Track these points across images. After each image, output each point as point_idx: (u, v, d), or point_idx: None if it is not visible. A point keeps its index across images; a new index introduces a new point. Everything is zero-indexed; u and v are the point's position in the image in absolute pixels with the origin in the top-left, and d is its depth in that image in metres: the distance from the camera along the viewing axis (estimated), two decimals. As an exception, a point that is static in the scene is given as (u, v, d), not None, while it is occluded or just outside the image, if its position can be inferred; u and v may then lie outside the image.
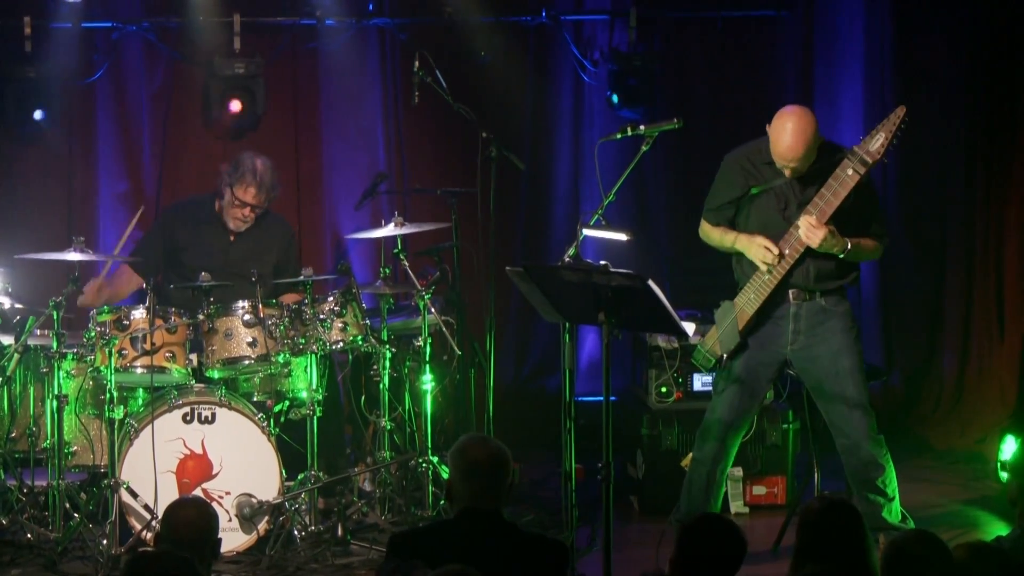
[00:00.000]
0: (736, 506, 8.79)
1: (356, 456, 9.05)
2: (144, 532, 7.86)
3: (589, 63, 10.72)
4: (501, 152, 8.59)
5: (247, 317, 8.15)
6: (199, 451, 8.09)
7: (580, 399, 7.49)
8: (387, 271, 8.83)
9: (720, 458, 7.81)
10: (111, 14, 10.30)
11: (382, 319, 8.65)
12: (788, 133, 7.43)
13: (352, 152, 10.64)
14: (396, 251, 8.66)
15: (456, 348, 8.77)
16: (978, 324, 10.69)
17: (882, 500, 7.65)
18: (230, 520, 8.00)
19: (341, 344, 8.36)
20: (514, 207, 10.62)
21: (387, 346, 8.54)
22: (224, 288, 8.32)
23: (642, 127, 7.58)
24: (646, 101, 10.41)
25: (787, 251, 7.51)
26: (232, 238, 8.95)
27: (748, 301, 7.64)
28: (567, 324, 7.01)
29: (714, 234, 7.79)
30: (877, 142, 7.42)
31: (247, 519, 8.04)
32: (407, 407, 8.80)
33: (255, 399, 8.37)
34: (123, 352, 8.02)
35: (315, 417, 8.21)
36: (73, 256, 8.05)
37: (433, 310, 8.54)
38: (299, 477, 8.23)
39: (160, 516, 6.85)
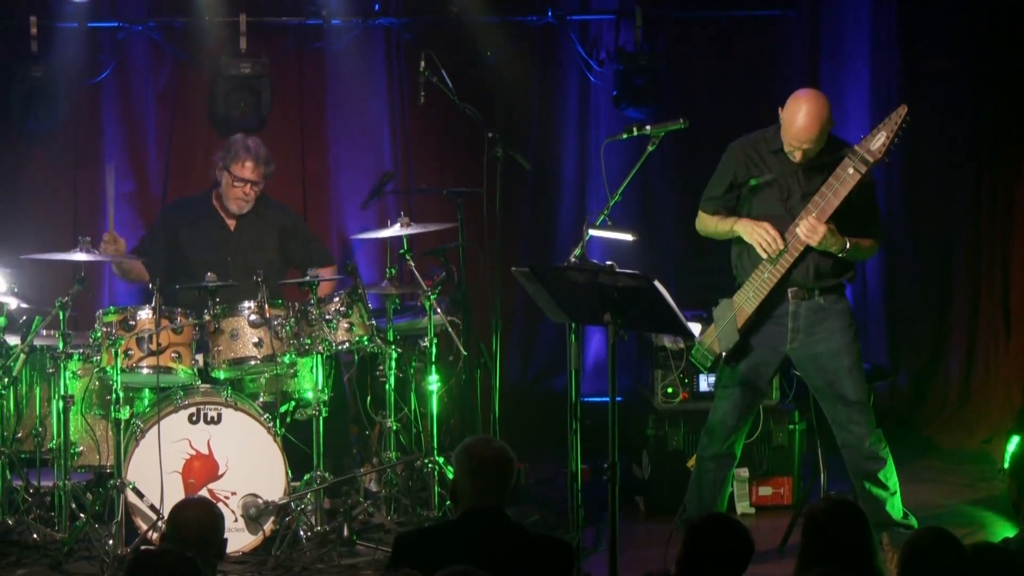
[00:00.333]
0: (742, 506, 8.79)
1: (362, 456, 9.06)
2: (150, 532, 7.86)
3: (595, 63, 10.71)
4: (507, 152, 8.59)
5: (253, 317, 8.16)
6: (205, 451, 8.09)
7: (586, 399, 7.48)
8: (393, 271, 8.84)
9: (725, 458, 7.82)
10: (117, 14, 10.30)
11: (388, 319, 8.65)
12: (803, 114, 7.43)
13: (358, 152, 10.64)
14: (402, 251, 8.67)
15: (462, 348, 8.76)
16: (984, 325, 10.68)
17: (884, 494, 7.67)
18: (236, 520, 8.00)
19: (347, 344, 8.37)
20: (520, 207, 10.62)
21: (393, 346, 8.54)
22: (230, 288, 8.33)
23: (648, 127, 7.57)
24: (652, 101, 10.40)
25: (788, 250, 7.51)
26: (232, 229, 8.96)
27: (747, 299, 7.64)
28: (573, 324, 7.01)
29: (710, 222, 7.79)
30: (878, 141, 7.42)
31: (253, 519, 8.04)
32: (413, 407, 8.81)
33: (261, 399, 8.37)
34: (129, 352, 8.02)
35: (321, 417, 8.21)
36: (79, 256, 8.05)
37: (439, 310, 8.54)
38: (305, 477, 8.24)
39: (166, 516, 6.85)
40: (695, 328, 7.57)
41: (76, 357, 8.18)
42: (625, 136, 7.68)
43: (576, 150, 10.85)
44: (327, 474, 8.21)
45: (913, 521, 7.73)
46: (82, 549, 7.97)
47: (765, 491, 8.89)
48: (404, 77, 10.57)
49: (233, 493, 8.08)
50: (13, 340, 8.26)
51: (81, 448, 8.28)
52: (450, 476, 8.10)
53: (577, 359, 7.09)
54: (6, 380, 8.19)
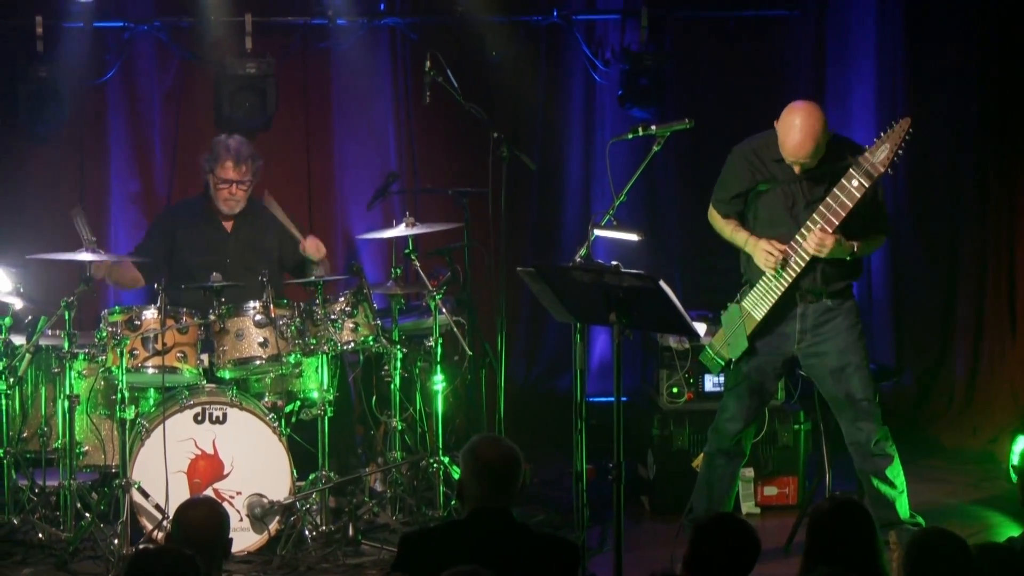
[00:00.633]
0: (747, 506, 8.79)
1: (367, 456, 9.06)
2: (155, 532, 7.86)
3: (600, 63, 10.71)
4: (512, 152, 8.59)
5: (258, 317, 8.16)
6: (210, 451, 8.09)
7: (591, 399, 7.50)
8: (398, 271, 8.83)
9: (734, 454, 7.82)
10: (123, 14, 10.30)
11: (393, 319, 8.65)
12: (796, 130, 7.43)
13: (363, 152, 10.65)
14: (407, 251, 8.66)
15: (467, 348, 8.77)
16: (990, 324, 10.67)
17: (892, 492, 7.68)
18: (241, 520, 8.01)
19: (352, 344, 8.37)
20: (525, 207, 10.62)
21: (398, 346, 8.54)
22: (235, 288, 8.33)
23: (653, 127, 7.57)
24: (657, 101, 10.39)
25: (792, 262, 7.51)
26: (229, 231, 8.96)
27: (755, 306, 7.65)
28: (578, 324, 7.01)
29: (726, 228, 7.79)
30: (882, 154, 7.40)
31: (258, 519, 8.04)
32: (418, 407, 8.81)
33: (266, 399, 8.37)
34: (134, 352, 8.02)
35: (326, 417, 8.21)
36: (84, 256, 8.06)
37: (444, 310, 8.53)
38: (310, 477, 8.24)
39: (171, 516, 6.84)
40: (700, 328, 7.57)
41: (81, 357, 8.18)
42: (630, 136, 7.68)
43: (581, 150, 10.85)
44: (332, 474, 8.22)
45: (920, 520, 7.72)
46: (87, 549, 7.97)
47: (770, 491, 8.89)
48: (409, 77, 10.58)
49: (238, 493, 8.08)
50: (19, 340, 8.26)
51: (86, 448, 8.28)
52: (455, 476, 8.10)
53: (582, 359, 7.09)
54: (12, 380, 8.20)
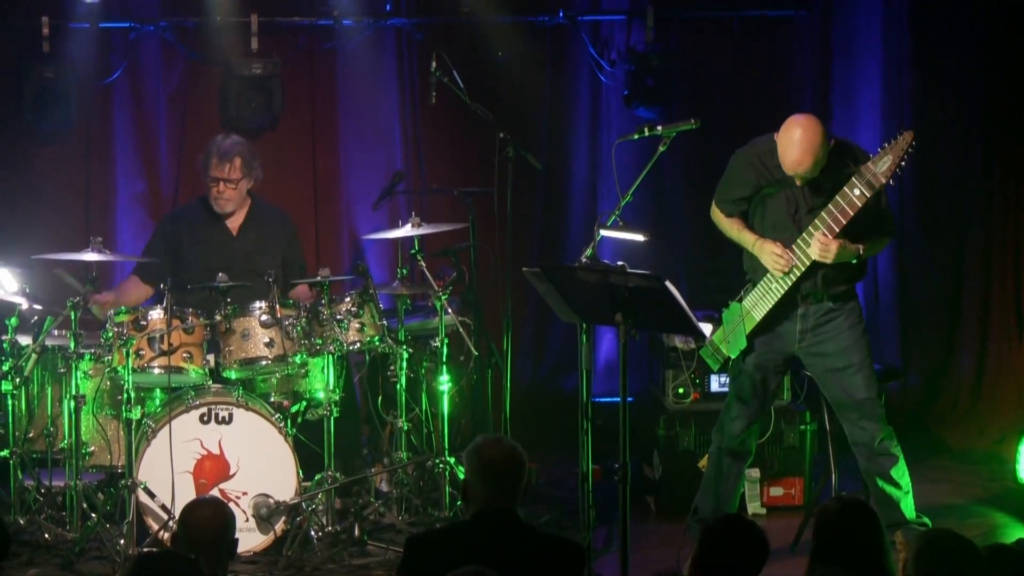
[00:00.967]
0: (753, 507, 8.78)
1: (373, 457, 9.06)
2: (161, 532, 7.87)
3: (606, 63, 10.71)
4: (518, 152, 8.59)
5: (264, 318, 8.16)
6: (216, 451, 8.09)
7: (597, 400, 7.51)
8: (404, 271, 8.84)
9: (740, 452, 7.82)
10: (129, 14, 10.31)
11: (399, 319, 8.65)
12: (795, 146, 7.44)
13: (369, 152, 10.65)
14: (413, 251, 8.66)
15: (473, 349, 8.76)
16: (996, 324, 10.67)
17: (897, 492, 7.67)
18: (247, 520, 8.01)
19: (358, 345, 8.37)
20: (531, 207, 10.61)
21: (404, 347, 8.54)
22: (241, 288, 8.33)
23: (659, 127, 7.57)
24: (663, 101, 10.40)
25: (795, 265, 7.51)
26: (235, 233, 8.96)
27: (755, 305, 7.66)
28: (584, 325, 7.01)
29: (732, 228, 7.79)
30: (884, 165, 7.41)
31: (264, 519, 8.04)
32: (424, 408, 8.81)
33: (272, 400, 8.38)
34: (140, 352, 8.03)
35: (332, 418, 8.21)
36: (90, 256, 8.07)
37: (450, 311, 8.53)
38: (316, 478, 8.24)
39: (177, 516, 6.86)
40: (706, 328, 7.58)
41: (87, 357, 8.18)
42: (636, 136, 7.68)
43: (587, 150, 10.85)
44: (338, 474, 8.22)
45: (926, 520, 7.72)
46: (93, 549, 7.98)
47: (776, 491, 8.88)
48: (415, 77, 10.58)
49: (244, 493, 8.08)
50: (25, 340, 8.26)
51: (92, 448, 8.29)
52: (461, 476, 8.10)
53: (588, 359, 7.09)
54: (18, 380, 8.20)
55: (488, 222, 8.90)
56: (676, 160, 10.56)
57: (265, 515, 8.04)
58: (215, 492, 8.01)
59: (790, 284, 7.56)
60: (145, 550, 7.63)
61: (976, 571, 5.09)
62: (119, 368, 8.01)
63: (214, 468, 8.09)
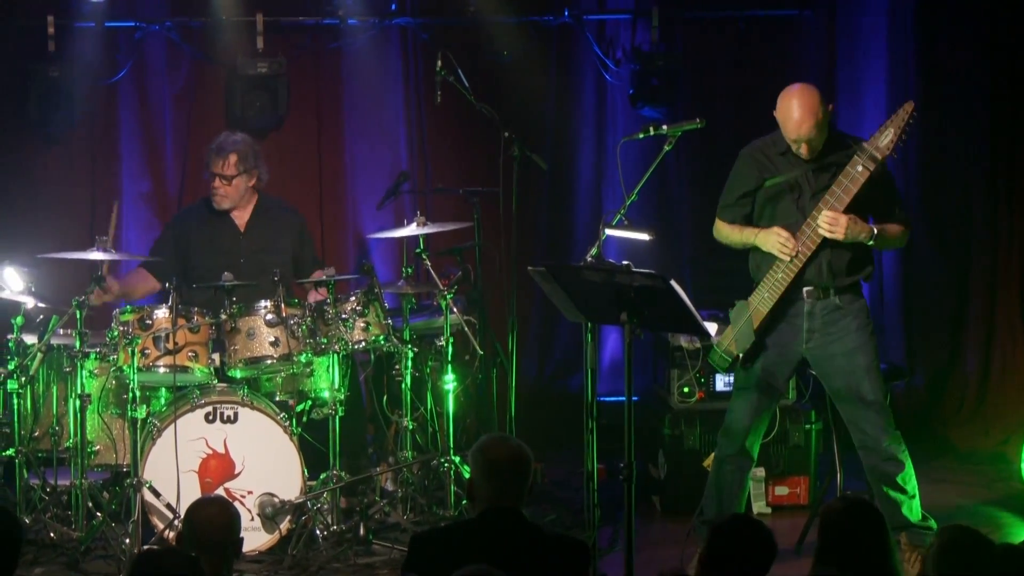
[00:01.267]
0: (758, 506, 8.78)
1: (378, 456, 9.06)
2: (166, 531, 7.87)
3: (611, 62, 10.71)
4: (523, 152, 8.59)
5: (269, 317, 8.17)
6: (221, 450, 8.10)
7: (602, 399, 7.48)
8: (409, 271, 8.84)
9: (743, 459, 7.80)
10: (134, 14, 10.32)
11: (404, 319, 8.65)
12: (795, 109, 7.44)
13: (374, 152, 10.65)
14: (418, 251, 8.67)
15: (478, 348, 8.77)
16: (1001, 325, 10.66)
17: (902, 497, 7.63)
18: (252, 519, 8.01)
19: (363, 344, 8.37)
20: (536, 207, 10.62)
21: (409, 346, 8.54)
22: (246, 287, 8.34)
23: (664, 127, 7.57)
24: (668, 101, 10.39)
25: (800, 248, 7.50)
26: (242, 230, 8.97)
27: (762, 300, 7.63)
28: (589, 324, 7.00)
29: (733, 234, 7.77)
30: (886, 138, 7.40)
31: (269, 518, 8.05)
32: (429, 407, 8.81)
33: (277, 399, 8.38)
34: (146, 351, 8.03)
35: (337, 417, 8.21)
36: (96, 255, 8.07)
37: (455, 310, 8.54)
38: (321, 477, 8.24)
39: (182, 515, 6.85)
40: (711, 328, 7.57)
41: (93, 356, 8.18)
42: (641, 136, 7.68)
43: (592, 150, 10.84)
44: (343, 473, 8.22)
45: (932, 523, 7.67)
46: (99, 548, 7.98)
47: (781, 491, 8.88)
48: (421, 77, 10.58)
49: (249, 492, 8.09)
50: (30, 339, 8.27)
51: (98, 447, 8.29)
52: (466, 475, 8.11)
53: (593, 358, 7.08)
54: (23, 379, 8.20)
55: (493, 221, 8.90)
56: (681, 159, 10.57)
57: (270, 514, 8.04)
58: (220, 491, 8.01)
59: (796, 269, 7.52)
60: (146, 547, 7.63)
61: (995, 570, 5.09)
62: (124, 367, 8.02)
63: (219, 467, 8.09)
